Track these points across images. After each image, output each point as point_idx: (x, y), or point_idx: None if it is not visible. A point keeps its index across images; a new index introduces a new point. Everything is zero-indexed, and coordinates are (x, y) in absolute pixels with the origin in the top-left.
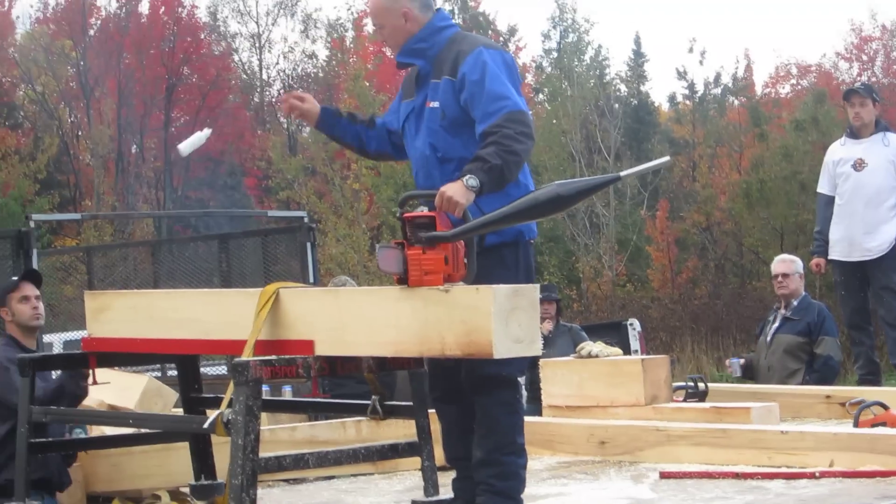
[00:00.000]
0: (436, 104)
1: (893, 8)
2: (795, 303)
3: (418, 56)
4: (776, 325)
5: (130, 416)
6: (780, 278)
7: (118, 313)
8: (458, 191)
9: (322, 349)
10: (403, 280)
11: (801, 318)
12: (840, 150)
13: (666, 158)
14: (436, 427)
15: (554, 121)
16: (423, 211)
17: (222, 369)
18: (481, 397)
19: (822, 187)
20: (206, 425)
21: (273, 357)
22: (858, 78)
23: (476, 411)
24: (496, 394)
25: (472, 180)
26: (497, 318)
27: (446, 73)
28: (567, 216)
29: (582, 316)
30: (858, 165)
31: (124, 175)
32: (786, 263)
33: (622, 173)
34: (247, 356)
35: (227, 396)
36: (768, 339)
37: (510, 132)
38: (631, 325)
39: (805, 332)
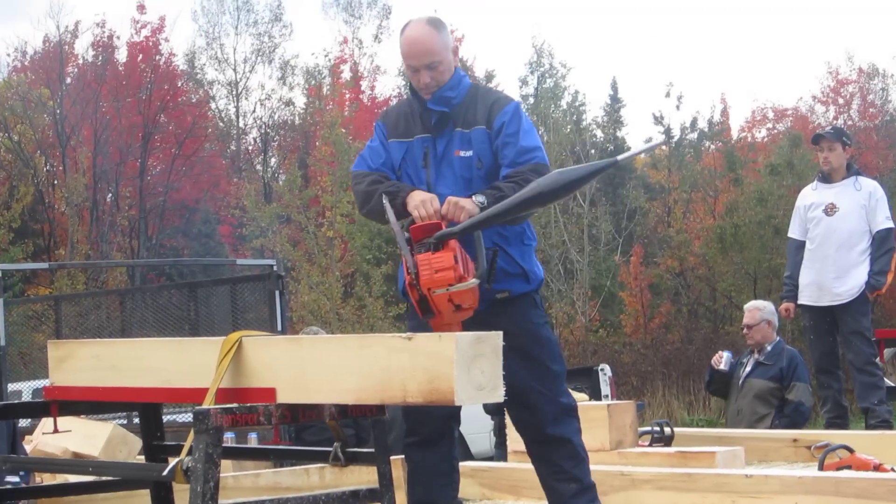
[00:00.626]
0: (468, 153)
1: (870, 51)
2: (769, 348)
3: (446, 104)
4: (748, 368)
5: (90, 464)
6: (745, 330)
7: (81, 362)
8: (466, 200)
9: (284, 397)
10: (415, 284)
11: (773, 364)
12: (811, 195)
13: (660, 140)
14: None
15: None
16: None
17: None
18: (561, 431)
19: (793, 232)
20: (165, 473)
21: (234, 405)
22: (834, 121)
23: (554, 451)
24: (573, 423)
25: (480, 197)
26: (459, 366)
27: (480, 124)
28: (543, 262)
29: None
30: (830, 210)
31: (98, 223)
32: (751, 313)
33: (619, 157)
34: (208, 404)
35: (187, 444)
36: (740, 382)
37: (528, 177)
38: (602, 370)
39: (777, 377)
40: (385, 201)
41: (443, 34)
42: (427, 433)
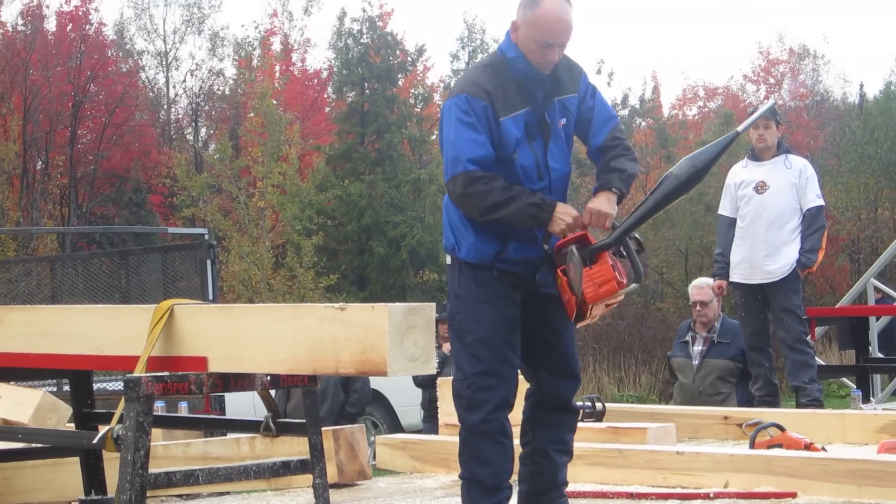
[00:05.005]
0: (564, 122)
1: (801, 31)
2: (718, 325)
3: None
4: (700, 347)
5: (20, 431)
6: (698, 307)
7: (11, 328)
8: (604, 203)
9: (215, 366)
10: (582, 301)
11: (731, 342)
12: (742, 173)
13: (771, 102)
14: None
15: None
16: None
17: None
18: (573, 403)
19: (724, 209)
20: (95, 441)
21: (165, 373)
22: (765, 100)
23: (568, 419)
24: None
25: (614, 190)
26: (392, 337)
27: (571, 91)
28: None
29: None
30: (760, 188)
31: (29, 191)
32: (703, 290)
33: (739, 128)
34: (139, 372)
35: (117, 412)
36: (695, 362)
37: (626, 143)
38: None
39: (739, 356)
40: (574, 252)
41: None
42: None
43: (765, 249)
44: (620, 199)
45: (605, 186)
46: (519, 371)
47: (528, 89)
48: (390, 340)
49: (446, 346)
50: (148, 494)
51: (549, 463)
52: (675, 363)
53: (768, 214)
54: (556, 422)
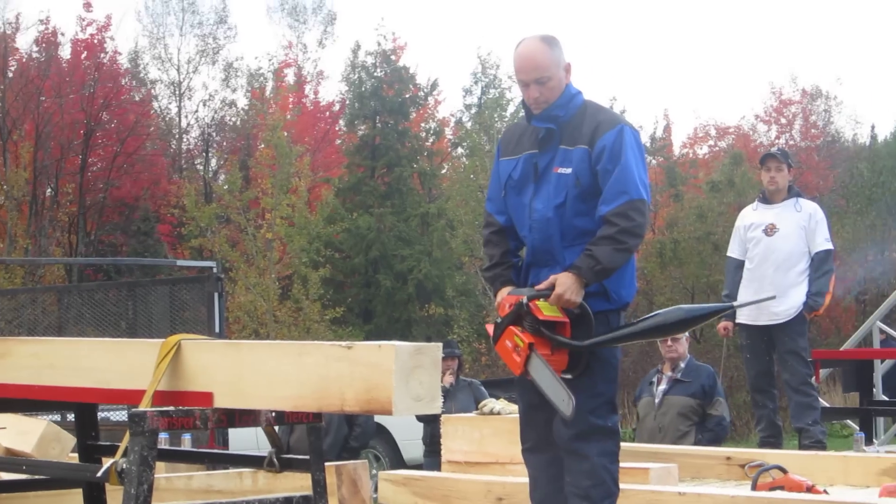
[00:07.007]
0: (568, 170)
1: (814, 73)
2: (683, 365)
3: (553, 121)
4: (664, 386)
5: (24, 463)
6: (669, 342)
7: (19, 360)
8: (573, 289)
9: (221, 401)
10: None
11: (693, 381)
12: (752, 215)
13: (773, 295)
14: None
15: (472, 176)
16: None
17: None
18: (585, 447)
19: (732, 251)
20: (99, 474)
21: (171, 408)
22: (776, 141)
23: (575, 464)
24: (602, 444)
25: (581, 278)
26: (398, 377)
27: (583, 143)
28: (478, 269)
29: (489, 370)
30: (770, 230)
31: (38, 218)
32: None
33: (734, 304)
34: (144, 406)
35: (122, 445)
36: (657, 400)
37: (627, 226)
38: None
39: (699, 393)
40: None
41: (555, 51)
42: (538, 438)
43: (772, 291)
44: (587, 286)
45: (574, 270)
46: None
47: (534, 134)
48: (396, 380)
49: (445, 379)
50: None
51: None
52: (640, 404)
53: (776, 257)
54: (568, 464)
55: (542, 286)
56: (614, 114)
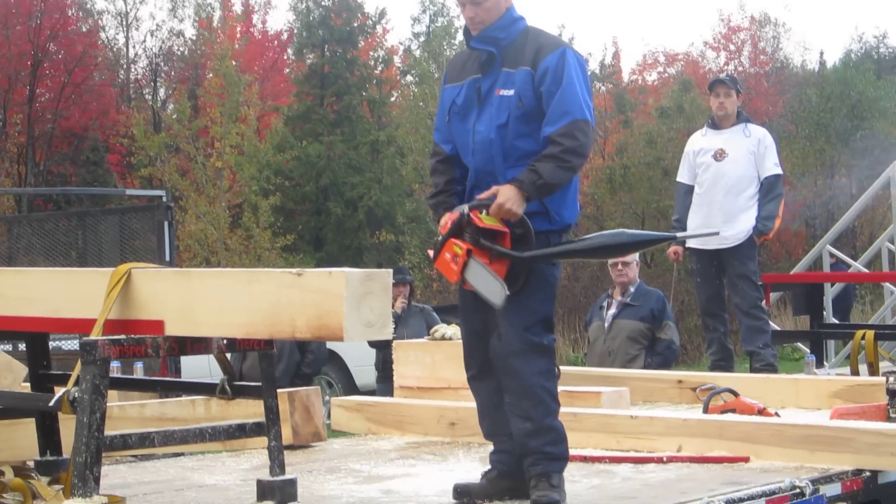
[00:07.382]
0: (509, 92)
1: None
2: (633, 289)
3: (493, 44)
4: (613, 310)
5: None
6: (619, 266)
7: None
8: (514, 200)
9: (172, 329)
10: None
11: (642, 304)
12: (701, 141)
13: (715, 229)
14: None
15: (421, 103)
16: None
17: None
18: (520, 365)
19: (682, 176)
20: (51, 403)
21: (122, 336)
22: (725, 67)
23: (512, 382)
24: (538, 362)
25: (523, 191)
26: (349, 303)
27: (525, 65)
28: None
29: (441, 296)
30: (719, 155)
31: None
32: None
33: (677, 235)
34: (95, 335)
35: (74, 374)
36: (606, 324)
37: (572, 145)
38: None
39: (648, 317)
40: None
41: None
42: (482, 364)
43: (721, 216)
44: (529, 200)
45: (517, 183)
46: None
47: (477, 59)
48: (347, 306)
49: (396, 305)
50: (103, 455)
51: (513, 427)
52: (590, 329)
53: (726, 182)
54: (505, 383)
55: (483, 195)
56: (557, 37)
